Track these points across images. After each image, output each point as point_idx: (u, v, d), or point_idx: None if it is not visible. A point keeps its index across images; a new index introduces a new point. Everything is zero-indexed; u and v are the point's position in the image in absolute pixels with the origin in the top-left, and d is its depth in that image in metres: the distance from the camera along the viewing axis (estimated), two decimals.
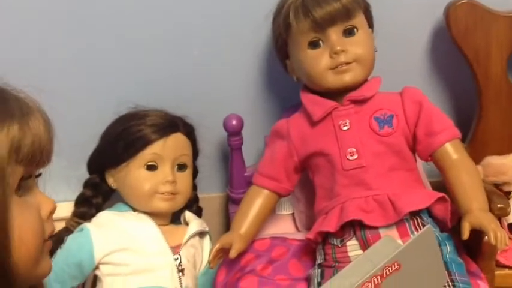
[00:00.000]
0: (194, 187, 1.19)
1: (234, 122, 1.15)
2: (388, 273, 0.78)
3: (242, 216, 1.04)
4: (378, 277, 0.77)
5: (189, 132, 1.14)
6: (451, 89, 1.26)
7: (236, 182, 1.21)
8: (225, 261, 1.04)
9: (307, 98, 1.03)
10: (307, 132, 1.02)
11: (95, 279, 1.09)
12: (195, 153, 1.17)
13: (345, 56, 0.97)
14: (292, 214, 1.19)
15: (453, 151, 0.96)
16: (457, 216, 0.93)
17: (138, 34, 1.18)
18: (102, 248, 1.03)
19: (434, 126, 0.97)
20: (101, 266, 1.04)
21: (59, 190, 1.27)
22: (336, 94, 1.00)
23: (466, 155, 0.97)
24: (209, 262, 1.00)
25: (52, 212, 0.60)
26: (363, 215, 0.92)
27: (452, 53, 1.17)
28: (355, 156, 0.97)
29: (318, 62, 0.99)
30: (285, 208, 1.19)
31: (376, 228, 0.92)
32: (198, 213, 1.21)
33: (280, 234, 1.09)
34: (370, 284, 0.77)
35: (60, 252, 1.04)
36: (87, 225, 1.06)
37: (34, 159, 0.57)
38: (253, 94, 1.24)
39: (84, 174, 1.17)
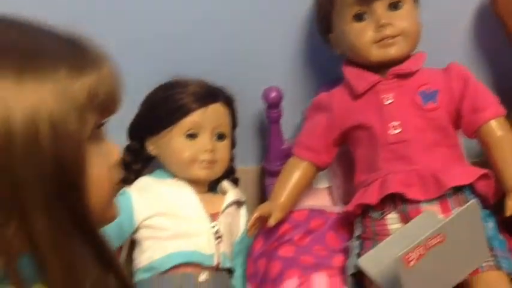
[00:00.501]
0: (232, 158, 1.20)
1: (273, 94, 1.15)
2: (431, 244, 0.78)
3: (281, 187, 1.05)
4: (422, 248, 0.78)
5: (229, 102, 1.15)
6: (495, 67, 1.25)
7: (273, 155, 1.22)
8: (262, 230, 1.05)
9: (350, 71, 1.03)
10: (350, 105, 1.02)
11: (132, 244, 1.11)
12: (234, 124, 1.17)
13: (390, 30, 0.97)
14: (329, 188, 1.19)
15: (498, 128, 0.96)
16: (500, 193, 0.93)
17: (179, 6, 1.18)
18: (142, 211, 1.05)
19: (479, 102, 0.97)
20: (140, 229, 1.05)
21: None
22: (379, 68, 1.00)
23: (511, 132, 0.96)
24: (246, 231, 1.01)
25: (118, 159, 0.62)
26: (404, 189, 0.92)
27: (498, 30, 1.15)
28: (398, 130, 0.97)
29: (363, 35, 0.98)
30: (322, 182, 1.20)
31: (417, 202, 0.92)
32: (235, 183, 1.22)
33: (318, 206, 1.10)
34: (413, 254, 0.77)
35: None
36: (128, 189, 1.08)
37: (107, 107, 0.58)
38: (294, 67, 1.23)
39: (125, 141, 1.18)
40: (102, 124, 0.59)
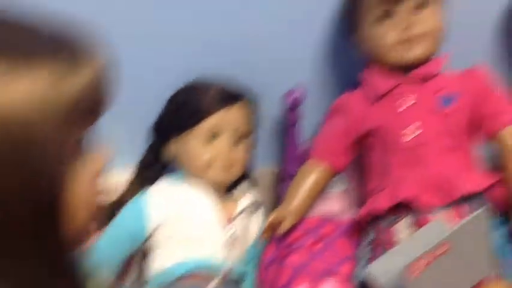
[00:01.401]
0: (250, 160, 1.20)
1: (295, 96, 1.15)
2: (437, 254, 0.78)
3: (295, 192, 1.05)
4: (428, 258, 0.77)
5: (251, 104, 1.15)
6: None
7: (290, 158, 1.21)
8: (275, 235, 1.05)
9: (371, 73, 1.02)
10: (369, 108, 1.02)
11: (147, 247, 1.11)
12: (255, 126, 1.17)
13: (415, 30, 0.96)
14: (344, 192, 1.18)
15: None
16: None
17: (206, 5, 1.19)
18: (158, 214, 1.05)
19: (499, 107, 0.96)
20: (156, 232, 1.06)
21: (121, 154, 1.32)
22: (402, 70, 0.99)
23: None
24: (261, 234, 1.01)
25: (103, 168, 0.56)
26: (416, 195, 0.91)
27: None
28: (416, 134, 0.96)
29: (388, 35, 0.98)
30: (337, 186, 1.18)
31: (429, 209, 0.91)
32: (253, 186, 1.22)
33: (330, 213, 1.10)
34: (419, 264, 0.77)
35: (119, 216, 1.08)
36: (145, 192, 1.09)
37: (92, 115, 0.52)
38: (316, 69, 1.23)
39: (145, 142, 1.20)
40: (85, 132, 0.53)
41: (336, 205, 1.14)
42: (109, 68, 0.55)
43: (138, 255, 1.21)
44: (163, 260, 1.04)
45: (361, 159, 1.06)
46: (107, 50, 0.57)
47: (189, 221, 1.06)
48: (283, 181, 1.23)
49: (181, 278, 1.02)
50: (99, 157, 0.56)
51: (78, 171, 0.51)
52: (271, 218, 1.00)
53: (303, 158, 1.11)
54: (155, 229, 1.05)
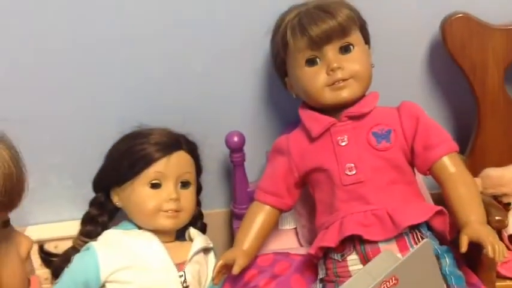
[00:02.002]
0: (198, 203, 1.21)
1: (235, 139, 1.17)
2: (388, 286, 0.79)
3: (245, 232, 1.06)
4: None
5: (192, 149, 1.16)
6: (448, 102, 1.28)
7: (239, 198, 1.23)
8: (228, 277, 1.05)
9: (305, 115, 1.05)
10: (307, 148, 1.04)
11: None
12: (198, 170, 1.18)
13: (342, 73, 0.99)
14: (295, 229, 1.20)
15: (451, 164, 0.97)
16: (456, 228, 0.94)
17: (140, 53, 1.21)
18: (108, 266, 1.04)
19: (431, 140, 0.98)
20: (107, 284, 1.05)
21: (64, 209, 1.32)
22: (333, 110, 1.02)
23: (463, 168, 0.98)
24: (213, 278, 1.01)
25: (30, 249, 0.57)
26: (362, 230, 0.93)
27: (449, 66, 1.19)
28: (354, 172, 0.98)
29: (316, 79, 1.00)
30: (288, 223, 1.21)
31: (375, 242, 0.93)
32: (203, 229, 1.22)
33: (283, 250, 1.11)
34: None
35: (67, 271, 1.06)
36: (93, 244, 1.07)
37: (10, 203, 0.54)
38: (254, 111, 1.26)
39: (90, 193, 1.19)
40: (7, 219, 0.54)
41: (289, 240, 1.16)
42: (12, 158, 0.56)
43: None
44: None
45: (309, 194, 1.08)
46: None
47: (141, 269, 1.05)
48: (235, 221, 1.24)
49: None
50: (26, 239, 0.55)
51: (6, 254, 0.52)
52: (221, 259, 1.00)
53: (252, 198, 1.12)
54: (108, 277, 1.04)
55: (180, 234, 1.17)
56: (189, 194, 1.13)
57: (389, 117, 1.01)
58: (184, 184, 1.13)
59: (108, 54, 1.20)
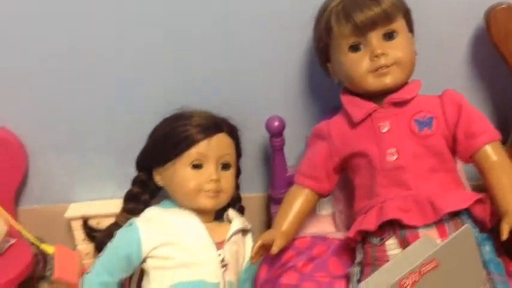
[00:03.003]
0: (237, 186, 1.23)
1: (276, 123, 1.18)
2: (425, 270, 0.80)
3: (284, 215, 1.07)
4: (416, 274, 0.79)
5: (233, 132, 1.18)
6: (490, 92, 1.27)
7: (278, 182, 1.24)
8: (266, 258, 1.07)
9: (347, 100, 1.06)
10: (348, 133, 1.04)
11: (142, 272, 1.13)
12: (238, 153, 1.20)
13: (385, 59, 1.00)
14: (332, 214, 1.21)
15: (493, 153, 0.97)
16: (497, 217, 0.94)
17: (186, 35, 1.23)
18: (149, 242, 1.07)
19: (474, 128, 0.98)
20: (148, 260, 1.08)
21: (109, 187, 1.35)
22: (376, 96, 1.03)
23: (505, 157, 0.98)
24: (251, 258, 1.03)
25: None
26: (402, 215, 0.94)
27: (493, 56, 1.18)
28: (395, 157, 0.99)
29: (359, 65, 1.01)
30: (325, 208, 1.22)
31: (415, 228, 0.94)
32: (241, 212, 1.24)
33: (321, 233, 1.12)
34: (407, 281, 0.79)
35: (109, 246, 1.09)
36: (136, 220, 1.11)
37: None
38: (296, 96, 1.27)
39: (132, 172, 1.22)
40: None
41: (326, 225, 1.18)
42: None
43: (134, 279, 1.23)
44: (158, 283, 1.06)
45: (347, 180, 1.09)
46: None
47: (181, 246, 1.07)
48: (272, 206, 1.26)
49: None
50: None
51: None
52: (260, 240, 1.02)
53: (290, 183, 1.13)
54: (149, 253, 1.07)
55: (218, 216, 1.20)
56: (229, 176, 1.16)
57: (431, 104, 1.02)
58: (225, 166, 1.15)
59: (150, 34, 1.22)
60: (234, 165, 1.18)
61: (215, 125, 1.15)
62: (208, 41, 1.23)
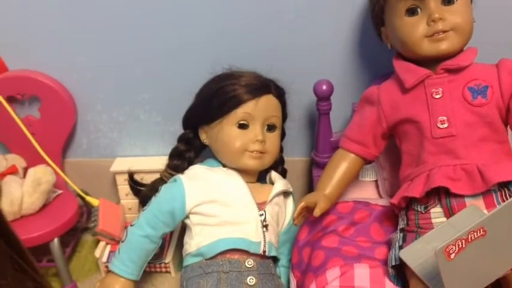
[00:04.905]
0: (281, 149, 1.23)
1: (324, 87, 1.17)
2: (473, 238, 0.79)
3: (327, 178, 1.07)
4: (463, 241, 0.78)
5: (280, 94, 1.18)
6: None
7: (322, 147, 1.24)
8: (308, 220, 1.08)
9: (400, 65, 1.04)
10: (399, 99, 1.03)
11: (184, 228, 1.16)
12: (284, 115, 1.20)
13: (443, 24, 0.97)
14: (376, 181, 1.21)
15: None
16: None
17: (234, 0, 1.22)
18: (193, 198, 1.09)
19: None
20: (191, 216, 1.10)
21: (154, 144, 1.37)
22: (430, 62, 1.00)
23: None
24: (294, 219, 1.03)
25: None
26: (449, 183, 0.93)
27: None
28: (446, 125, 0.97)
29: (415, 29, 0.99)
30: (369, 175, 1.21)
31: (462, 196, 0.92)
32: (283, 174, 1.25)
33: (363, 199, 1.12)
34: (454, 247, 0.78)
35: (154, 200, 1.11)
36: (181, 177, 1.12)
37: None
38: (344, 61, 1.25)
39: (178, 130, 1.23)
40: None
41: (369, 192, 1.17)
42: None
43: (177, 232, 1.26)
44: (200, 238, 1.08)
45: (394, 147, 1.08)
46: None
47: (224, 203, 1.09)
48: (315, 170, 1.26)
49: (218, 255, 1.05)
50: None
51: None
52: (303, 201, 1.02)
53: (334, 148, 1.13)
54: (192, 209, 1.09)
55: (261, 177, 1.20)
56: (274, 138, 1.16)
57: (487, 73, 0.99)
58: (271, 127, 1.15)
59: (203, 3, 1.22)
60: (280, 127, 1.18)
61: (263, 86, 1.15)
62: (260, 3, 1.22)
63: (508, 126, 1.00)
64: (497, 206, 0.91)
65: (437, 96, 0.99)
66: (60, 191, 1.34)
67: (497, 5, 1.16)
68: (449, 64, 0.99)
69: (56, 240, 1.23)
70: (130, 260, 1.09)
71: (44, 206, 1.28)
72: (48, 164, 1.29)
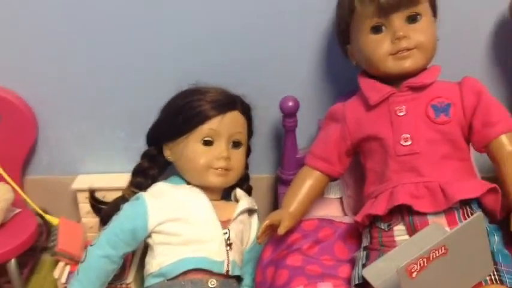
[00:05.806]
0: (246, 166, 1.22)
1: (290, 103, 1.17)
2: (434, 256, 0.78)
3: (292, 195, 1.06)
4: (425, 260, 0.78)
5: (246, 111, 1.17)
6: (510, 81, 1.24)
7: (287, 164, 1.23)
8: (272, 238, 1.06)
9: (365, 82, 1.04)
10: (363, 116, 1.03)
11: (145, 248, 1.13)
12: (250, 132, 1.19)
13: (407, 42, 0.98)
14: (340, 198, 1.20)
15: (508, 143, 0.95)
16: (507, 208, 0.92)
17: (201, 10, 1.21)
18: (156, 216, 1.06)
19: (491, 117, 0.96)
20: (153, 235, 1.07)
21: (117, 161, 1.35)
22: (394, 80, 1.01)
23: None
24: (257, 237, 1.02)
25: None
26: (412, 201, 0.93)
27: None
28: (410, 142, 0.97)
29: (379, 47, 0.99)
30: (333, 192, 1.20)
31: (424, 214, 0.92)
32: (248, 191, 1.24)
33: (328, 217, 1.11)
34: (416, 265, 0.78)
35: (116, 219, 1.09)
36: (143, 195, 1.10)
37: None
38: (311, 78, 1.25)
39: (142, 147, 1.21)
40: None
41: (334, 209, 1.16)
42: None
43: (137, 253, 1.23)
44: (162, 258, 1.05)
45: (359, 164, 1.08)
46: None
47: (187, 221, 1.07)
48: (280, 187, 1.25)
49: (180, 275, 1.03)
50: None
51: None
52: (268, 219, 1.01)
53: (300, 164, 1.12)
54: (155, 228, 1.06)
55: (226, 194, 1.19)
56: (239, 155, 1.15)
57: (450, 91, 1.00)
58: (236, 144, 1.14)
59: (167, 9, 1.21)
60: (245, 144, 1.17)
61: (229, 102, 1.14)
62: (226, 16, 1.21)
63: (470, 144, 1.01)
64: (459, 223, 0.91)
65: (401, 114, 0.99)
66: (18, 210, 1.30)
67: (461, 24, 1.17)
68: (413, 82, 0.99)
69: (13, 261, 1.19)
70: (89, 280, 1.06)
71: (1, 225, 1.23)
72: (7, 182, 1.26)
